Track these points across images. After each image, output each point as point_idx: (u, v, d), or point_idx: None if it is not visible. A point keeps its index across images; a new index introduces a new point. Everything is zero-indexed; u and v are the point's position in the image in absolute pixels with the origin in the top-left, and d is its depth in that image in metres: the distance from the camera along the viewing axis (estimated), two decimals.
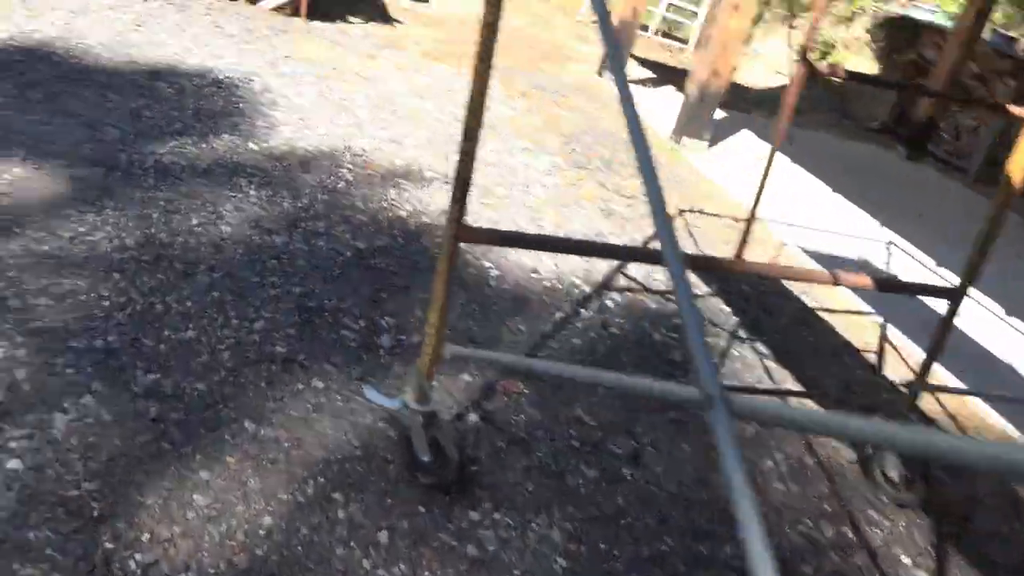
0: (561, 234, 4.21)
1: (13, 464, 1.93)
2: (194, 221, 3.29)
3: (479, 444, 2.45)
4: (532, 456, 2.47)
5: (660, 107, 7.93)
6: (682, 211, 5.19)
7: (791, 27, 13.17)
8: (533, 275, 3.64)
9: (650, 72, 9.66)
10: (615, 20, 8.27)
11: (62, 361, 2.30)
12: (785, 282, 4.48)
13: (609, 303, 3.62)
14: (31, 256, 2.77)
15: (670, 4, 13.18)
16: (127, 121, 4.14)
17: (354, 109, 5.28)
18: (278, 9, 7.29)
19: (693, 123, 6.37)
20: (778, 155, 3.24)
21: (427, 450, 2.15)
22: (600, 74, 8.39)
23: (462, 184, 1.88)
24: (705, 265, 3.01)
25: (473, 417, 2.57)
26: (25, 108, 3.96)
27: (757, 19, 13.55)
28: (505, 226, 4.07)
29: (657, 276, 4.02)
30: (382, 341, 2.83)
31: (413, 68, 6.87)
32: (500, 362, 2.32)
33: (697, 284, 4.12)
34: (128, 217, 3.18)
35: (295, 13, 7.37)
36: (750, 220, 3.51)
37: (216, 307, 2.76)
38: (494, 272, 3.57)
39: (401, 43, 7.78)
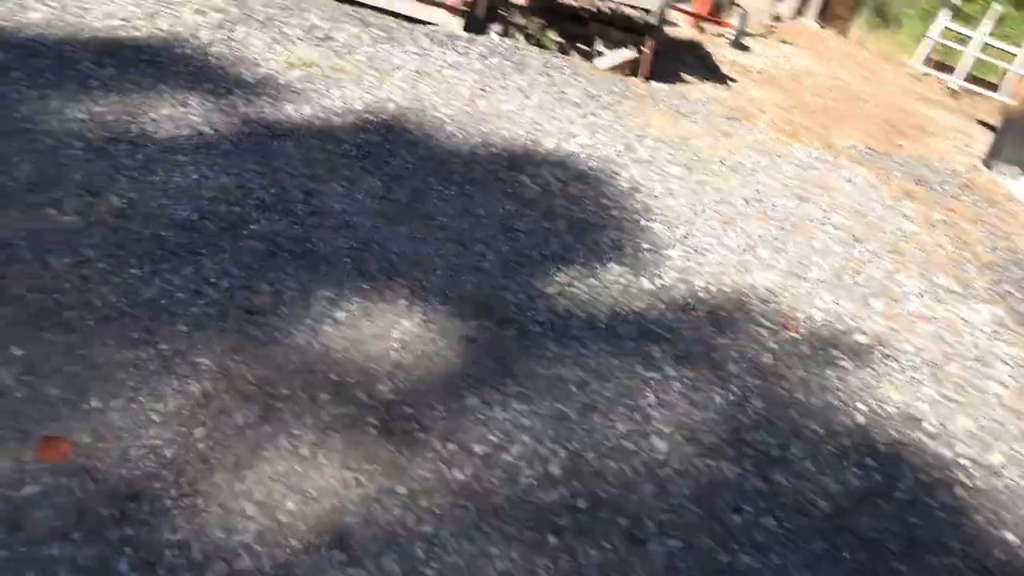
0: None
1: None
2: (620, 428, 2.54)
3: None
4: None
5: None
6: None
7: None
8: None
9: None
10: (1016, 99, 6.84)
11: None
12: None
13: None
14: (448, 493, 2.12)
15: None
16: (500, 237, 3.54)
17: (736, 219, 4.43)
18: (615, 69, 6.63)
19: None
20: None
21: None
22: (988, 165, 6.98)
23: None
24: None
25: None
26: (395, 215, 3.47)
27: None
28: (1001, 454, 3.00)
29: None
30: None
31: (773, 150, 5.94)
32: None
33: None
34: (541, 417, 2.49)
35: (632, 72, 6.68)
36: None
37: None
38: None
39: (746, 112, 6.88)
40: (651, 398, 2.74)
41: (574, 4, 6.15)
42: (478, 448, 2.30)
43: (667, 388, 2.82)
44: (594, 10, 6.21)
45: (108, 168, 3.15)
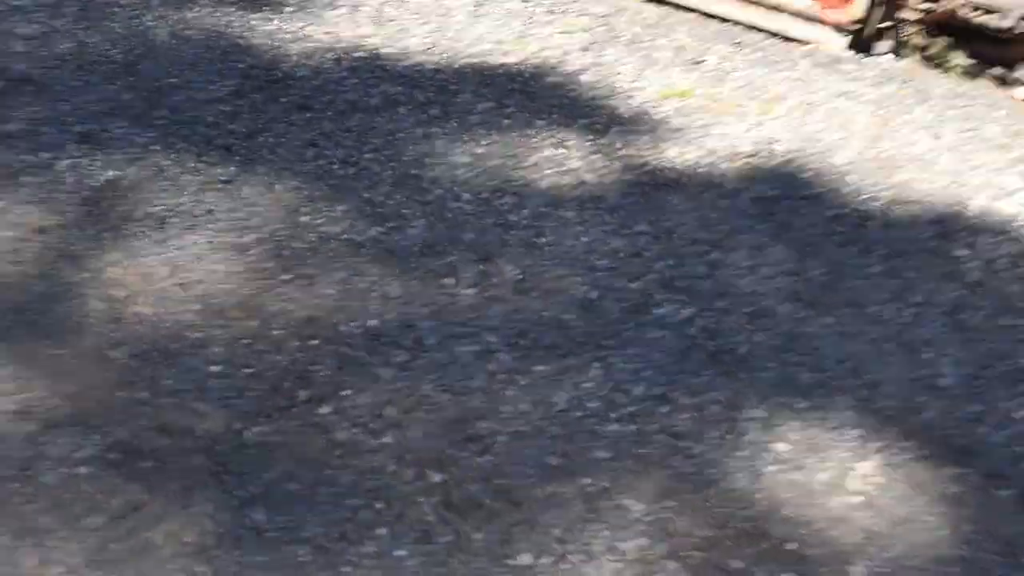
0: None
1: None
2: None
3: None
4: None
5: None
6: None
7: None
8: None
9: None
10: None
11: None
12: None
13: None
14: None
15: None
16: (951, 338, 2.86)
17: None
18: None
19: None
20: None
21: None
22: None
23: None
24: None
25: None
26: (814, 299, 2.92)
27: None
28: None
29: None
30: None
31: None
32: None
33: None
34: None
35: None
36: None
37: None
38: None
39: None
40: None
41: (1002, 25, 5.14)
42: None
43: None
44: (1021, 31, 5.15)
45: (496, 227, 2.92)
